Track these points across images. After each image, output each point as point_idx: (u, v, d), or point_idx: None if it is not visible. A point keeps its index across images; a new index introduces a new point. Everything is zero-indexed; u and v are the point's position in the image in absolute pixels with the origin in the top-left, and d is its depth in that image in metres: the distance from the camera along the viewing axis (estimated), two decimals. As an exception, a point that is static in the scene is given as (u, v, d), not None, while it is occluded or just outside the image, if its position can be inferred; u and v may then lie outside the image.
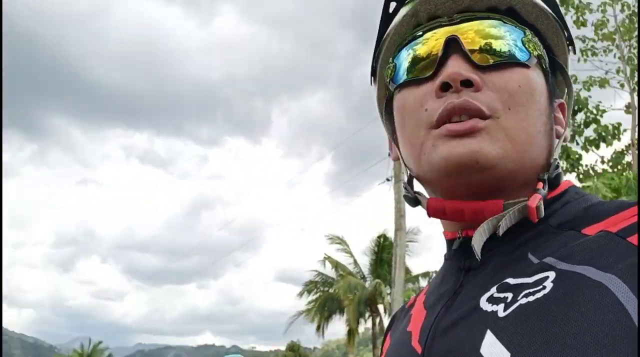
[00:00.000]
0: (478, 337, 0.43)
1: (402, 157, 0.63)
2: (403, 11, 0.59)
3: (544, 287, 0.42)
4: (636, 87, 11.21)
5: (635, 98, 11.22)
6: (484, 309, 0.46)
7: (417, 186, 0.63)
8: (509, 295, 0.45)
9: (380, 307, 18.43)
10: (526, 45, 0.56)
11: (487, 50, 0.54)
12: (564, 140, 0.61)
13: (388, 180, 12.20)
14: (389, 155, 0.69)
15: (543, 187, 0.53)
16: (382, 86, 0.66)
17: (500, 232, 0.51)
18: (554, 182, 0.56)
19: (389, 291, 15.98)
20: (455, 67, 0.52)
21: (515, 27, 0.56)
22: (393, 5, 0.61)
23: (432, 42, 0.56)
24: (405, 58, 0.58)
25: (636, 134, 10.80)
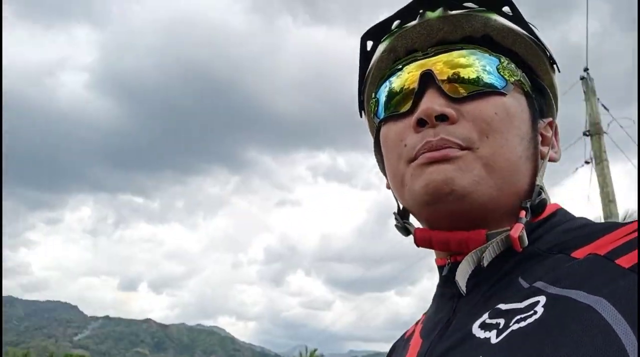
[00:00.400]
0: None
1: (391, 188, 0.64)
2: (381, 47, 0.61)
3: (535, 312, 0.42)
4: None
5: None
6: (477, 335, 0.46)
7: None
8: (501, 321, 0.45)
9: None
10: (501, 72, 0.56)
11: (456, 79, 0.55)
12: (552, 160, 0.60)
13: (587, 162, 10.76)
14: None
15: (526, 215, 0.53)
16: (370, 119, 0.68)
17: (485, 263, 0.51)
18: (537, 207, 0.55)
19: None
20: (429, 102, 0.53)
21: (490, 55, 0.56)
22: (370, 43, 0.62)
23: (406, 76, 0.58)
24: (384, 93, 0.60)
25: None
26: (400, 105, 0.58)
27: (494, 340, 0.44)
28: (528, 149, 0.56)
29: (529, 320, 0.42)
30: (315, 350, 54.21)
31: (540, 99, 0.62)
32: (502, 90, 0.55)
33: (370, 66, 0.63)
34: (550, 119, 0.63)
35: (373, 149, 0.67)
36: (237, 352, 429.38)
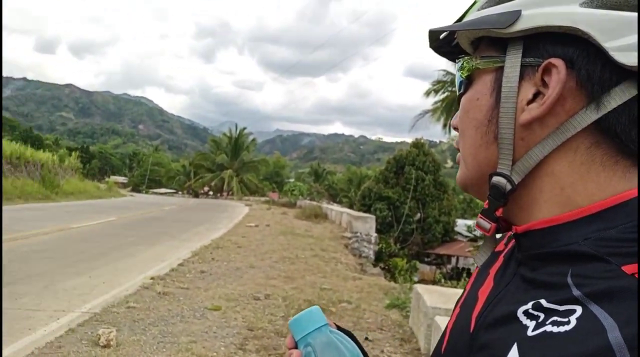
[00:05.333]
0: (506, 347, 0.44)
1: None
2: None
3: (569, 322, 0.41)
4: None
5: None
6: (520, 319, 0.46)
7: None
8: (541, 315, 0.44)
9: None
10: (460, 73, 0.56)
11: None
12: (529, 121, 0.48)
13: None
14: None
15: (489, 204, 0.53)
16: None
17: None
18: (502, 195, 0.51)
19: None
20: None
21: (461, 59, 0.56)
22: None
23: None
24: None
25: None
26: None
27: (530, 332, 0.43)
28: (487, 134, 0.52)
29: (561, 328, 0.41)
30: (244, 128, 59.27)
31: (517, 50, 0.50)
32: (461, 92, 0.57)
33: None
34: (540, 60, 0.48)
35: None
36: (166, 123, 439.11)
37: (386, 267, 16.11)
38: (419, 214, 24.33)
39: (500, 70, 0.52)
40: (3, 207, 17.04)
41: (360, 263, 11.99)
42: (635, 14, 0.44)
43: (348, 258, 11.34)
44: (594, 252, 0.45)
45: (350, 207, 26.91)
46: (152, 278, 6.77)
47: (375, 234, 16.18)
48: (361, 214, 18.08)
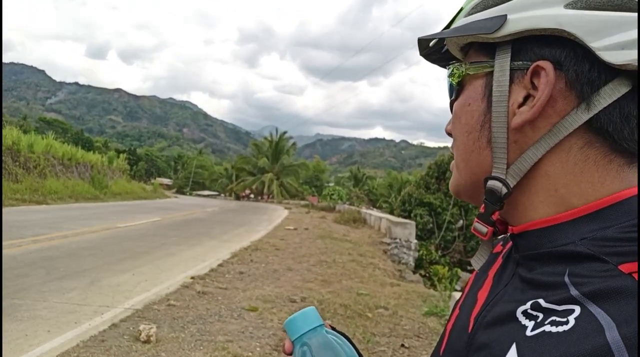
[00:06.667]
0: (505, 347, 0.44)
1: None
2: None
3: (567, 322, 0.41)
4: None
5: None
6: (519, 319, 0.45)
7: None
8: (540, 315, 0.44)
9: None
10: (451, 79, 0.56)
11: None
12: (520, 125, 0.48)
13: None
14: None
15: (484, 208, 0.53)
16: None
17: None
18: (500, 198, 0.51)
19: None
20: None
21: (451, 66, 0.56)
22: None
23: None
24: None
25: None
26: None
27: (529, 332, 0.43)
28: (479, 139, 0.52)
29: (560, 328, 0.41)
30: (285, 132, 59.90)
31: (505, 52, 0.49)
32: (453, 98, 0.56)
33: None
34: (528, 63, 0.47)
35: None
36: (209, 127, 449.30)
37: (426, 275, 15.85)
38: (461, 221, 23.82)
39: (490, 75, 0.52)
40: (58, 206, 17.82)
41: (399, 270, 11.84)
42: (619, 14, 0.44)
43: (386, 264, 11.23)
44: (591, 252, 0.45)
45: (391, 212, 26.64)
46: (192, 277, 6.92)
47: (415, 241, 15.95)
48: (401, 219, 17.87)
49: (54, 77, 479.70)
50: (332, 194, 39.26)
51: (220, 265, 8.19)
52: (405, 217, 21.17)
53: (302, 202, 43.79)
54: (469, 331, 0.55)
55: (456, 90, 0.56)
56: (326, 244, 12.61)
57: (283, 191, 53.93)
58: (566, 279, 0.45)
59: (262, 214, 25.30)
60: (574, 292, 0.44)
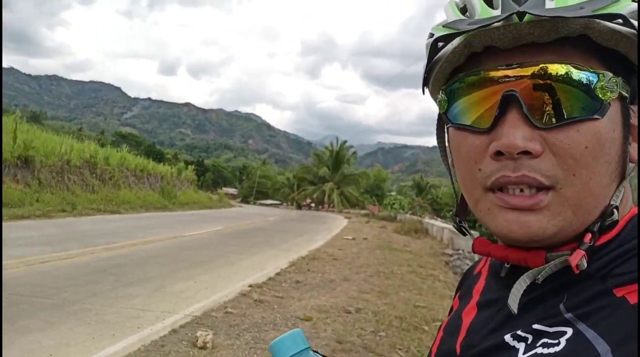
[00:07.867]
0: None
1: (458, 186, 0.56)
2: (455, 42, 0.50)
3: (559, 344, 0.41)
4: None
5: None
6: (509, 344, 0.45)
7: None
8: (530, 337, 0.44)
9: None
10: (598, 93, 0.45)
11: (552, 105, 0.45)
12: (634, 161, 0.49)
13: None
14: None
15: (591, 240, 0.46)
16: (436, 100, 0.56)
17: (540, 280, 0.47)
18: (606, 228, 0.47)
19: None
20: (511, 134, 0.45)
21: (589, 72, 0.45)
22: (441, 44, 0.52)
23: (485, 91, 0.48)
24: (457, 98, 0.51)
25: None
26: (476, 118, 0.49)
27: (520, 355, 0.43)
28: (616, 169, 0.47)
29: (552, 349, 0.41)
30: (345, 141, 59.96)
31: (634, 80, 0.48)
32: (596, 116, 0.45)
33: (439, 55, 0.52)
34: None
35: (436, 124, 0.58)
36: (273, 138, 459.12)
37: (490, 287, 15.18)
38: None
39: (622, 98, 0.48)
40: (129, 215, 18.82)
41: (461, 281, 11.46)
42: None
43: (447, 276, 10.92)
44: (585, 273, 0.46)
45: (453, 222, 25.83)
46: (250, 286, 7.07)
47: (478, 252, 15.39)
48: (463, 229, 17.29)
49: (129, 94, 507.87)
50: (393, 204, 38.78)
51: (277, 274, 8.32)
52: (470, 228, 20.37)
53: (363, 212, 43.61)
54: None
55: (600, 111, 0.46)
56: (385, 254, 12.47)
57: (343, 200, 53.96)
58: (560, 306, 0.46)
59: (321, 224, 25.41)
60: (566, 314, 0.45)
